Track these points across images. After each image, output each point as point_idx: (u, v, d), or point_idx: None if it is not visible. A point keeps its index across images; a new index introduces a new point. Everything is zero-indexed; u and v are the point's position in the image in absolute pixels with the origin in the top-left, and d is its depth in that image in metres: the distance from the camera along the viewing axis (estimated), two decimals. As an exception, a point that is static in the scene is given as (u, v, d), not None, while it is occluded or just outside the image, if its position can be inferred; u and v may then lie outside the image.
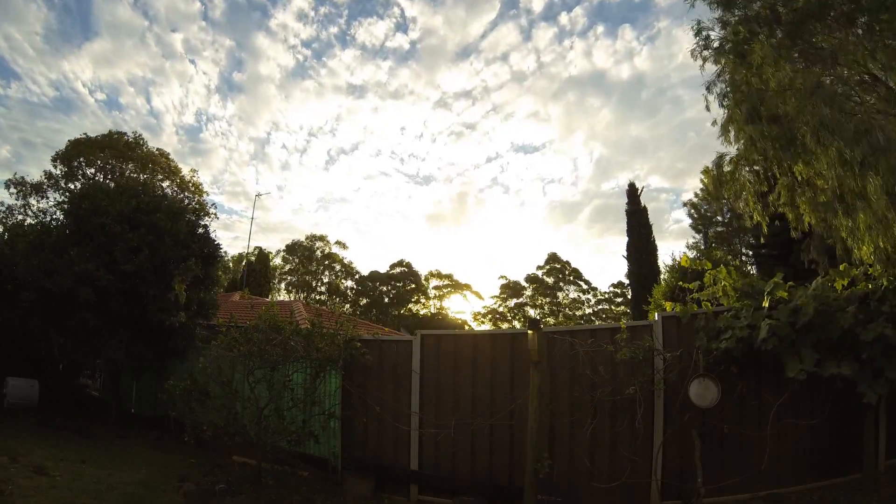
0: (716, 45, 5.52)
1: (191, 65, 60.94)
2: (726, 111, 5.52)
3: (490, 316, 52.52)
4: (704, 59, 5.60)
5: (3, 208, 18.02)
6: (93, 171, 20.25)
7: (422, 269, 53.88)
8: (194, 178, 22.16)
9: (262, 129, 70.24)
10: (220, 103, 66.48)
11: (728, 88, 5.52)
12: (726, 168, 5.98)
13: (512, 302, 52.86)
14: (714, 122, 5.71)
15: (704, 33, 5.56)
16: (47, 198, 18.30)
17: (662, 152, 72.36)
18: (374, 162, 76.93)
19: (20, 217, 17.50)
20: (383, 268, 53.09)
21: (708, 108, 5.70)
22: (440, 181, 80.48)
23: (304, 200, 78.79)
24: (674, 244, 76.54)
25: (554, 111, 72.08)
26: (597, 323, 34.46)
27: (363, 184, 78.23)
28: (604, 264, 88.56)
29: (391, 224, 79.90)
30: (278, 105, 67.99)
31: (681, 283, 6.18)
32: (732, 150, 5.80)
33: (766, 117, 5.00)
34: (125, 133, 21.64)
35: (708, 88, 5.69)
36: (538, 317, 49.61)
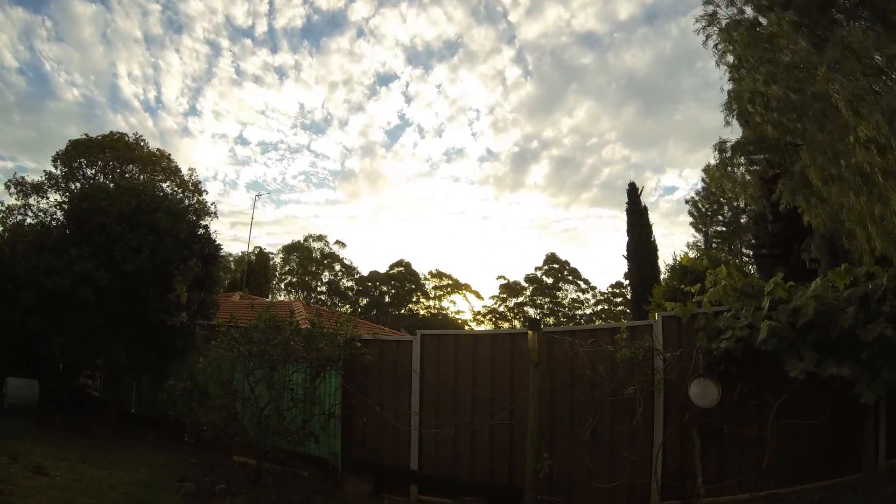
0: (724, 22, 5.40)
1: None
2: (735, 84, 5.36)
3: (490, 316, 52.57)
4: (707, 37, 5.50)
5: (3, 208, 18.00)
6: (93, 171, 20.24)
7: (421, 268, 54.02)
8: (193, 178, 22.12)
9: (100, 61, 57.14)
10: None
11: (740, 58, 5.33)
12: (728, 154, 5.89)
13: (512, 302, 52.90)
14: (721, 89, 5.54)
15: (711, 8, 5.44)
16: (47, 198, 18.27)
17: (631, 56, 52.24)
18: (240, 94, 61.72)
19: (20, 217, 17.48)
20: (383, 268, 53.21)
21: (722, 89, 5.53)
22: (334, 124, 64.33)
23: (190, 159, 65.72)
24: (663, 224, 65.87)
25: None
26: (597, 323, 34.50)
27: (244, 131, 65.09)
28: (581, 252, 76.31)
29: (304, 192, 65.81)
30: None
31: (682, 286, 6.14)
32: (733, 136, 5.70)
33: (785, 86, 4.77)
34: (125, 134, 21.72)
35: (719, 55, 5.48)
36: (538, 317, 49.63)
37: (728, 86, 5.44)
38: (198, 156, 62.51)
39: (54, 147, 47.91)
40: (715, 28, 5.40)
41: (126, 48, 57.82)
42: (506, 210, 70.84)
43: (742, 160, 5.76)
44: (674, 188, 65.52)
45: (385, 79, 66.28)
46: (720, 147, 5.87)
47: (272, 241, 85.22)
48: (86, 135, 20.69)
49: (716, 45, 5.45)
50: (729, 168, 5.79)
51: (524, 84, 60.99)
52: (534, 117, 60.02)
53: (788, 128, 4.97)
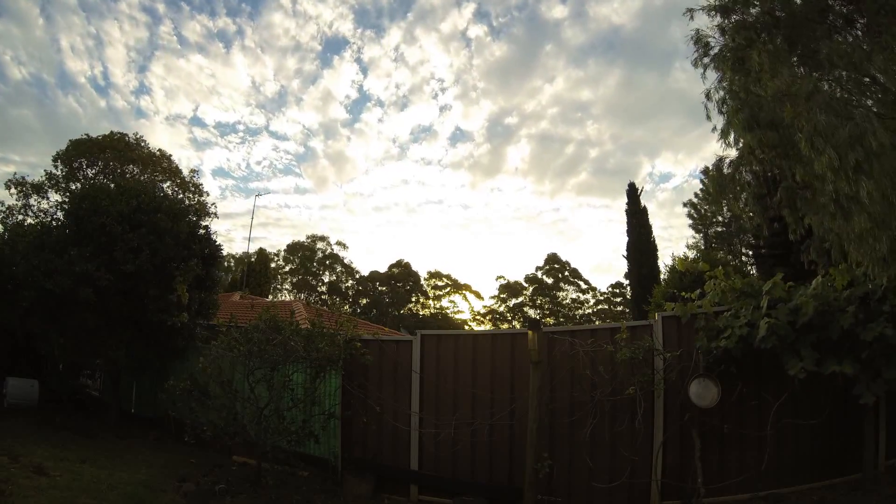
0: (715, 51, 5.52)
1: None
2: (725, 117, 5.52)
3: (490, 316, 52.53)
4: (705, 67, 5.61)
5: (4, 208, 17.99)
6: (94, 171, 20.26)
7: (421, 269, 53.93)
8: (194, 179, 22.13)
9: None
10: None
11: (727, 96, 5.53)
12: (726, 171, 5.98)
13: (511, 302, 52.87)
14: (714, 129, 5.72)
15: (704, 41, 5.56)
16: (48, 198, 18.27)
17: (612, 8, 47.14)
18: (187, 67, 56.57)
19: (20, 217, 17.47)
20: (383, 268, 53.21)
21: (709, 117, 5.70)
22: (290, 100, 59.50)
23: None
24: (660, 216, 62.02)
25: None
26: (597, 323, 34.49)
27: (198, 111, 59.43)
28: (573, 246, 70.72)
29: (271, 180, 61.78)
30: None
31: (681, 292, 6.15)
32: (732, 152, 5.80)
33: (764, 124, 5.00)
34: (126, 134, 21.75)
35: (707, 96, 5.72)
36: (537, 317, 49.58)
37: (719, 120, 5.59)
38: (156, 141, 58.58)
39: (14, 135, 46.98)
40: (707, 59, 5.51)
41: (64, 19, 52.77)
42: (487, 199, 66.12)
43: (740, 177, 5.87)
44: (669, 175, 61.93)
45: (335, 44, 58.44)
46: (717, 165, 5.97)
47: (248, 234, 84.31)
48: (86, 135, 20.73)
49: (705, 70, 5.57)
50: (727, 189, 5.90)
51: (490, 45, 54.16)
52: (507, 86, 52.73)
53: (771, 163, 5.18)
